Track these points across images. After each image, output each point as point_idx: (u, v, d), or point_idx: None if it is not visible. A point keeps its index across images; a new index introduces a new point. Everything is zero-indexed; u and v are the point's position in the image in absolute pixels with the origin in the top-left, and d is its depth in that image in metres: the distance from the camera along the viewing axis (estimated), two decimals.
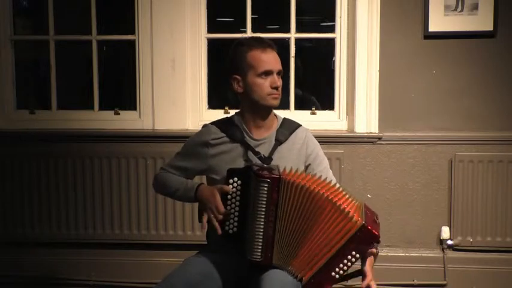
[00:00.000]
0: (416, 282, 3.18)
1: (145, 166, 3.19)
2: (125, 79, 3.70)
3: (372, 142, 3.17)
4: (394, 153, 3.18)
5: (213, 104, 3.33)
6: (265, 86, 1.96)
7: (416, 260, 3.21)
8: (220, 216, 1.87)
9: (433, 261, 3.19)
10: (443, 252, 3.18)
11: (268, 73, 1.96)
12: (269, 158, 1.99)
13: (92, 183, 3.22)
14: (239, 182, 1.86)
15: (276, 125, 2.07)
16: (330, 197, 1.79)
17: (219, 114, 3.09)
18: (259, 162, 1.97)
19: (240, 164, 1.96)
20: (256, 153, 2.00)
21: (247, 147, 2.01)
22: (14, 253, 3.30)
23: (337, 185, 1.91)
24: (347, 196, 1.85)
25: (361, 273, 1.82)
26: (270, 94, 1.97)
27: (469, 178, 3.12)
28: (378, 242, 1.78)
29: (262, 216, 1.80)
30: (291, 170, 1.85)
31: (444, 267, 3.18)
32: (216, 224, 1.88)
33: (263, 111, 2.02)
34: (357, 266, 1.84)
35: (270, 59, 1.97)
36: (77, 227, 3.25)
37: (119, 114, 3.35)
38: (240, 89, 2.01)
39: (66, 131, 3.28)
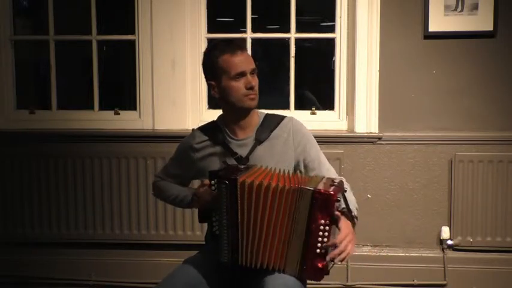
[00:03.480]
0: (416, 282, 3.18)
1: (145, 166, 3.19)
2: (125, 79, 3.70)
3: (372, 142, 3.17)
4: (394, 153, 3.18)
5: (213, 104, 3.33)
6: (240, 88, 1.96)
7: (416, 260, 3.21)
8: (207, 196, 1.89)
9: (433, 261, 3.19)
10: (443, 252, 3.18)
11: (241, 74, 1.97)
12: (246, 158, 1.99)
13: (92, 183, 3.22)
14: (216, 184, 1.86)
15: (258, 123, 2.07)
16: (283, 186, 1.77)
17: (219, 114, 3.09)
18: (235, 163, 1.98)
19: (221, 165, 1.98)
20: (234, 154, 2.00)
21: (226, 148, 2.02)
22: (14, 253, 3.30)
23: (328, 173, 1.90)
24: (308, 178, 1.84)
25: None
26: (246, 95, 1.97)
27: (469, 178, 3.12)
28: (337, 200, 1.76)
29: (225, 217, 1.81)
30: (264, 169, 1.85)
31: (444, 267, 3.18)
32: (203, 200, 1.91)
33: (242, 112, 2.03)
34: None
35: (241, 61, 1.97)
36: (77, 227, 3.25)
37: (119, 114, 3.35)
38: (217, 94, 2.02)
39: (66, 131, 3.28)
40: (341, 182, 1.85)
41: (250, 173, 1.83)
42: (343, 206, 1.84)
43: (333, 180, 1.85)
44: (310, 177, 1.89)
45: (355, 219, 1.88)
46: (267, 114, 2.10)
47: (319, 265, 1.78)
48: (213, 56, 1.99)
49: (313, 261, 1.78)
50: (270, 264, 1.81)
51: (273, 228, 1.79)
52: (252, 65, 2.00)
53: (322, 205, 1.75)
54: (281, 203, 1.78)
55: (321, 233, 1.76)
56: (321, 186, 1.78)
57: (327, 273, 1.80)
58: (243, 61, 1.98)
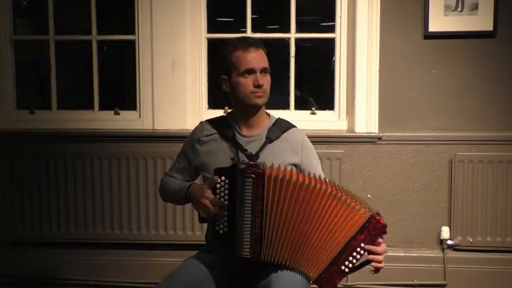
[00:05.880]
0: (416, 282, 3.18)
1: (145, 166, 3.19)
2: (125, 79, 3.70)
3: (372, 142, 3.17)
4: (394, 153, 3.18)
5: (213, 104, 3.33)
6: (248, 85, 1.98)
7: (416, 260, 3.21)
8: (213, 208, 1.84)
9: (433, 261, 3.19)
10: (443, 252, 3.18)
11: (250, 72, 1.97)
12: (256, 156, 2.00)
13: (92, 183, 3.22)
14: (226, 181, 1.85)
15: (267, 123, 2.08)
16: (324, 189, 1.78)
17: (218, 114, 3.09)
18: (246, 159, 1.98)
19: (228, 161, 1.97)
20: (244, 151, 2.01)
21: (236, 144, 2.02)
22: (14, 253, 3.30)
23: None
24: (340, 187, 1.86)
25: (369, 262, 1.83)
26: (253, 92, 1.98)
27: (469, 178, 3.12)
28: (385, 232, 1.80)
29: (249, 212, 1.79)
30: (278, 166, 1.85)
31: (444, 267, 3.18)
32: (210, 214, 1.87)
33: (250, 110, 2.04)
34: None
35: (252, 58, 1.98)
36: (77, 227, 3.25)
37: (118, 114, 3.35)
38: (227, 89, 2.05)
39: (66, 131, 3.28)
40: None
41: (269, 168, 1.82)
42: None
43: (377, 210, 1.85)
44: (335, 183, 1.88)
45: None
46: (279, 118, 2.13)
47: (336, 280, 1.81)
48: (227, 50, 2.02)
49: (333, 274, 1.80)
50: (291, 262, 1.82)
51: (298, 225, 1.79)
52: (263, 63, 2.00)
53: (372, 231, 1.78)
54: (314, 202, 1.78)
55: (355, 254, 1.79)
56: (375, 212, 1.79)
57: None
58: (254, 58, 1.98)
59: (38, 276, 3.27)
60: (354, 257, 1.79)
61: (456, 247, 3.17)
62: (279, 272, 1.83)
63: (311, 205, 1.79)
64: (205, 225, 2.18)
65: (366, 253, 1.81)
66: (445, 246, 3.17)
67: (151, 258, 3.27)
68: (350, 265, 1.80)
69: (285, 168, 1.86)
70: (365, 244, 1.78)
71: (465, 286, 3.16)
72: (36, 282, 3.26)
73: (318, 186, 1.79)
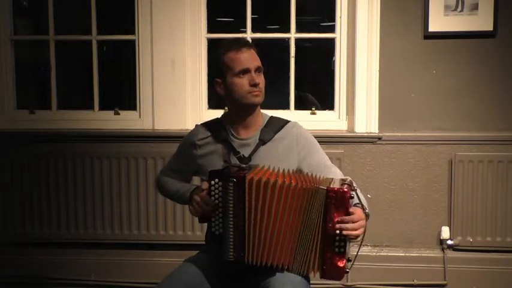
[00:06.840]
0: (416, 282, 3.18)
1: (145, 166, 3.19)
2: (124, 79, 3.70)
3: (372, 142, 3.17)
4: (394, 153, 3.18)
5: (213, 104, 3.33)
6: (244, 85, 1.97)
7: (416, 260, 3.21)
8: (203, 205, 1.87)
9: (433, 261, 3.19)
10: (443, 252, 3.18)
11: (245, 71, 1.97)
12: (248, 158, 1.99)
13: (92, 183, 3.23)
14: (220, 183, 1.85)
15: (261, 123, 2.07)
16: (294, 185, 1.78)
17: (218, 114, 3.08)
18: (237, 162, 1.98)
19: (222, 163, 1.97)
20: (236, 153, 2.00)
21: (229, 147, 2.02)
22: (14, 253, 3.30)
23: (325, 176, 1.89)
24: (319, 178, 1.84)
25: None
26: (250, 92, 1.97)
27: (469, 178, 3.12)
28: (351, 197, 1.77)
29: (231, 216, 1.81)
30: (267, 168, 1.85)
31: (444, 267, 3.18)
32: (200, 211, 1.90)
33: (247, 110, 2.03)
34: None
35: (245, 58, 1.98)
36: (77, 227, 3.25)
37: (119, 114, 3.35)
38: (222, 92, 2.03)
39: (66, 131, 3.29)
40: (351, 181, 1.85)
41: (255, 171, 1.83)
42: (357, 201, 1.84)
43: (342, 179, 1.85)
44: (319, 177, 1.88)
45: (368, 216, 1.86)
46: (271, 117, 2.11)
47: (339, 264, 1.79)
48: (219, 53, 2.01)
49: (332, 260, 1.79)
50: (279, 263, 1.82)
51: (284, 227, 1.79)
52: (257, 62, 2.00)
53: (337, 203, 1.76)
54: (292, 201, 1.78)
55: (337, 232, 1.77)
56: (333, 185, 1.78)
57: (347, 272, 1.81)
58: (248, 58, 1.98)
59: (38, 276, 3.27)
60: (340, 235, 1.77)
61: (456, 247, 3.16)
62: (278, 272, 1.83)
63: (291, 205, 1.78)
64: (205, 225, 2.18)
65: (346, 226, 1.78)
66: (445, 246, 3.17)
67: (151, 258, 3.27)
68: (342, 244, 1.78)
69: (273, 169, 1.85)
70: (340, 218, 1.76)
71: (465, 286, 3.16)
72: (36, 282, 3.27)
73: (299, 185, 1.78)
